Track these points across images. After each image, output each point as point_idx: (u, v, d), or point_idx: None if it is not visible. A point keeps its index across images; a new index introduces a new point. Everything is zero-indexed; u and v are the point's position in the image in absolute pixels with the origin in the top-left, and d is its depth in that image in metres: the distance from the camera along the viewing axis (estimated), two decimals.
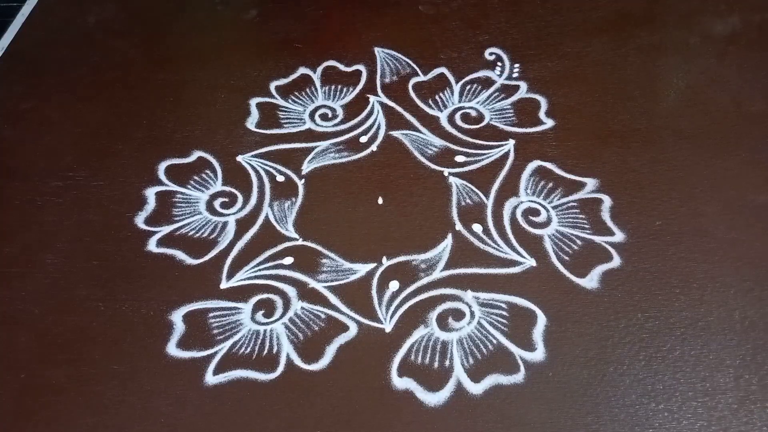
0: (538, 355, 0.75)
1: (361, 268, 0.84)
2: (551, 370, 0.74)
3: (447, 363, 0.75)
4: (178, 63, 1.10)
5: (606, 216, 0.87)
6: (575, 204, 0.89)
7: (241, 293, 0.82)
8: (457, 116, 1.00)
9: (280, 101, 1.04)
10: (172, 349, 0.77)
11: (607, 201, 0.89)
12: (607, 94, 1.01)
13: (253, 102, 1.04)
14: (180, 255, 0.86)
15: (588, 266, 0.82)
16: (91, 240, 0.87)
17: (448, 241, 0.86)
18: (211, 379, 0.75)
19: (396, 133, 0.99)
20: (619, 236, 0.85)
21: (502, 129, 0.98)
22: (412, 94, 1.04)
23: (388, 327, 0.78)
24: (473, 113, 1.01)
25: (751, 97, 1.00)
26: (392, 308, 0.80)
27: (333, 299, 0.81)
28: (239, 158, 0.96)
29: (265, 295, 0.82)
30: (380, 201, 0.90)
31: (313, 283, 0.83)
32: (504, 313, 0.79)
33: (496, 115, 1.00)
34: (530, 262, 0.83)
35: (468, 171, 0.93)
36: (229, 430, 0.71)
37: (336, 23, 1.16)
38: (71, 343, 0.78)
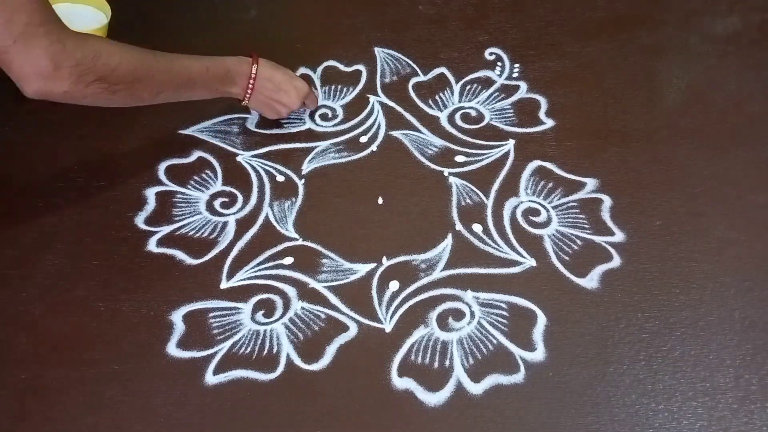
0: (538, 355, 0.75)
1: (361, 268, 0.84)
2: (551, 370, 0.74)
3: (447, 363, 0.75)
4: None
5: (606, 216, 0.87)
6: (575, 204, 0.89)
7: (241, 293, 0.82)
8: (457, 116, 1.00)
9: None
10: (172, 349, 0.77)
11: (607, 201, 0.89)
12: (607, 94, 1.01)
13: None
14: (180, 255, 0.86)
15: (588, 266, 0.82)
16: (91, 240, 0.87)
17: (448, 241, 0.86)
18: (211, 379, 0.75)
19: (396, 133, 0.99)
20: (619, 236, 0.85)
21: (502, 129, 0.98)
22: (412, 94, 1.04)
23: (388, 327, 0.78)
24: (473, 113, 1.01)
25: (751, 97, 1.00)
26: (392, 308, 0.80)
27: (333, 299, 0.81)
28: (239, 158, 0.97)
29: (265, 295, 0.82)
30: (380, 201, 0.90)
31: (313, 283, 0.83)
32: (504, 313, 0.79)
33: (496, 115, 1.00)
34: (530, 262, 0.83)
35: (468, 171, 0.93)
36: (229, 430, 0.71)
37: (336, 23, 1.16)
38: (71, 343, 0.78)
